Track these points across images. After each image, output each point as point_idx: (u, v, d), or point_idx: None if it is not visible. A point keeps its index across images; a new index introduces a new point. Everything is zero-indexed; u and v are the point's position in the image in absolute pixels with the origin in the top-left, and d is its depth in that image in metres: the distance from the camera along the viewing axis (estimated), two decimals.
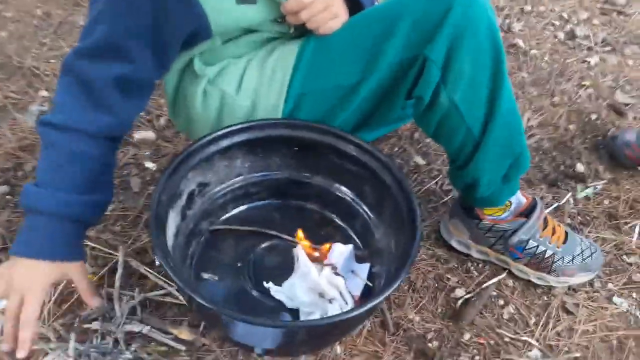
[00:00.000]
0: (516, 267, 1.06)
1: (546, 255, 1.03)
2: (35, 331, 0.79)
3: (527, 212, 1.03)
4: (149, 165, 1.24)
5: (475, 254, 1.09)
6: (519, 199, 1.03)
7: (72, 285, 0.88)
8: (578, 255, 1.04)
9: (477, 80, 0.85)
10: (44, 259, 0.79)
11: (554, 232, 1.04)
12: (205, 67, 0.93)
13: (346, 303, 0.83)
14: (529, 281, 1.07)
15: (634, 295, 1.07)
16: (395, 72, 0.86)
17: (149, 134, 1.30)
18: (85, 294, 0.84)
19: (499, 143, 0.90)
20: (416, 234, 0.80)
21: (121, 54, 0.79)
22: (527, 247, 1.02)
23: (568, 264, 1.03)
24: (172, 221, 0.88)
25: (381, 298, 0.74)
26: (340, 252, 0.91)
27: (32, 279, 0.79)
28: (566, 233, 1.06)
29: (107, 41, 0.79)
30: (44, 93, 1.37)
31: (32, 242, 0.79)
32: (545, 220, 1.04)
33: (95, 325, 0.91)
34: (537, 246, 1.02)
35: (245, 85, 0.93)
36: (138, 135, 1.29)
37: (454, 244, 1.10)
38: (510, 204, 1.02)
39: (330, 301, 0.83)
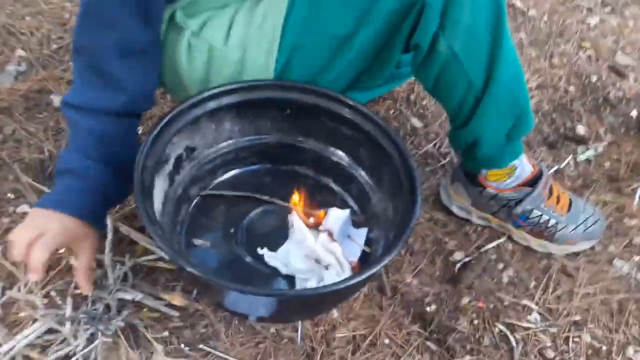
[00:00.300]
0: (518, 235, 1.04)
1: (549, 225, 1.00)
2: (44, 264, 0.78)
3: (533, 182, 1.00)
4: None
5: (476, 220, 1.06)
6: (524, 165, 0.99)
7: (71, 263, 0.86)
8: (581, 223, 1.02)
9: (476, 29, 0.81)
10: (63, 210, 0.79)
11: (558, 201, 1.01)
12: (187, 19, 0.88)
13: (343, 270, 0.81)
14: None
15: (635, 258, 1.06)
16: (391, 20, 0.82)
17: None
18: (84, 273, 0.83)
19: (502, 98, 0.87)
20: (416, 201, 0.77)
21: (106, 21, 0.77)
22: (530, 217, 1.00)
23: (571, 233, 1.01)
24: (159, 187, 0.85)
25: (378, 267, 0.71)
26: (336, 217, 0.88)
27: (47, 222, 0.79)
28: (570, 201, 1.03)
29: (91, 9, 0.77)
30: (21, 52, 1.31)
31: (58, 196, 0.81)
32: (550, 189, 1.01)
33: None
34: (541, 215, 1.00)
35: (234, 36, 0.88)
36: None
37: (455, 209, 1.07)
38: (515, 168, 0.98)
39: (326, 268, 0.81)
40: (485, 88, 0.86)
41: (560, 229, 1.01)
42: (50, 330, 0.85)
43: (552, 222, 1.00)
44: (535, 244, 1.03)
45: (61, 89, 1.22)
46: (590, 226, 1.02)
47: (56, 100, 1.20)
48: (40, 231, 0.77)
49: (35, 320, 0.86)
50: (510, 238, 1.06)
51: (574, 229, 1.01)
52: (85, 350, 0.83)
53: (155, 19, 0.82)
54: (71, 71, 1.23)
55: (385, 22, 0.83)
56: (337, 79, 0.90)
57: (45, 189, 1.03)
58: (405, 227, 0.75)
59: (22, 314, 0.87)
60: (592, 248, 1.06)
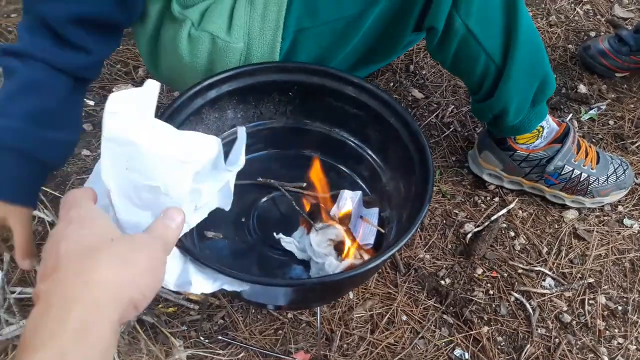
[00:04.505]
0: (551, 194, 1.05)
1: (582, 179, 1.01)
2: None
3: (561, 138, 1.00)
4: None
5: (507, 185, 1.07)
6: (551, 124, 1.00)
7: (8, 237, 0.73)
8: (612, 174, 1.03)
9: (489, 2, 0.80)
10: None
11: (587, 155, 1.02)
12: (184, 9, 0.85)
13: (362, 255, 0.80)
14: (539, 210, 1.06)
15: None
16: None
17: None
18: (19, 249, 0.69)
19: (524, 66, 0.86)
20: (428, 181, 0.76)
21: None
22: (562, 173, 1.01)
23: (603, 184, 1.03)
24: None
25: (398, 247, 0.70)
26: (348, 199, 0.87)
27: None
28: (597, 153, 1.04)
29: None
30: None
31: None
32: (578, 143, 1.02)
33: None
34: (573, 170, 1.01)
35: (236, 25, 0.85)
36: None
37: (486, 177, 1.08)
38: (542, 129, 0.99)
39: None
40: (505, 58, 0.85)
41: (593, 182, 1.02)
42: None
43: (584, 175, 1.01)
44: (569, 201, 1.04)
45: None
46: (620, 175, 1.04)
47: None
48: None
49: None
50: (520, 202, 1.06)
51: (606, 179, 1.02)
52: None
53: (135, 6, 0.80)
54: None
55: (395, 1, 0.80)
56: (341, 62, 0.88)
57: (51, 190, 1.01)
58: (420, 205, 0.74)
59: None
60: (602, 208, 1.07)
